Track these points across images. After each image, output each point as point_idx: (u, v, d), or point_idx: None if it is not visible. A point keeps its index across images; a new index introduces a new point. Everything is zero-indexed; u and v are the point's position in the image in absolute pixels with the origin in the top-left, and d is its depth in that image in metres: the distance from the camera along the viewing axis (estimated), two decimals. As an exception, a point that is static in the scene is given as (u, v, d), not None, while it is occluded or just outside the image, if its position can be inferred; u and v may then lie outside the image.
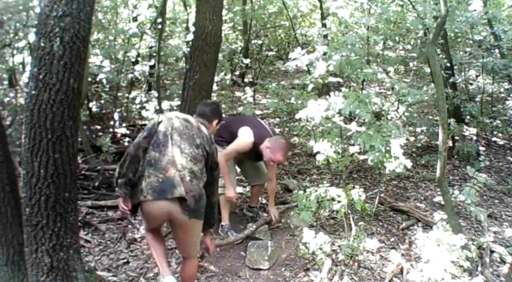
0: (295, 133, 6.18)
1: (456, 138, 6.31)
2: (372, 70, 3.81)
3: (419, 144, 6.62)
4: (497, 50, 6.68)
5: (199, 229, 2.54)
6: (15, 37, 5.83)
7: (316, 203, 3.41)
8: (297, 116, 3.66)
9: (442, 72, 5.08)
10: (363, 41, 6.80)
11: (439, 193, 4.39)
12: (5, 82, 6.82)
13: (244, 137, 3.48)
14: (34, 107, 2.14)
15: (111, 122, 6.93)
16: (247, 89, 9.29)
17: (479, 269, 3.25)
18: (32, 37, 5.64)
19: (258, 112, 7.91)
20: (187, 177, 2.35)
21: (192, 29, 4.37)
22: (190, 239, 2.53)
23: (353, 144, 3.72)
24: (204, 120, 2.71)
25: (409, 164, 3.42)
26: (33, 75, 2.14)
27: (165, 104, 7.35)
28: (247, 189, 4.61)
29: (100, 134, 6.57)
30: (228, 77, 9.69)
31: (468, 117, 6.60)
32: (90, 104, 6.96)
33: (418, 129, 6.86)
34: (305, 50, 4.06)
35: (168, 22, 8.08)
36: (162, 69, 7.11)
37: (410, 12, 6.66)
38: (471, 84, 7.32)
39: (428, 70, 6.95)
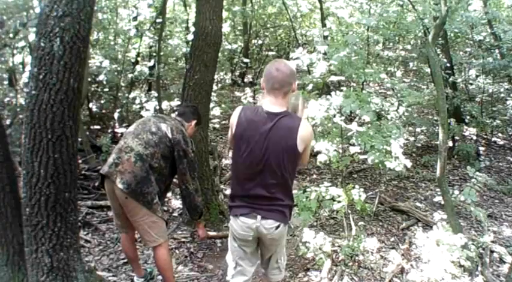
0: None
1: (456, 138, 6.31)
2: (374, 70, 3.81)
3: (419, 144, 6.62)
4: (497, 50, 6.69)
5: (147, 217, 2.48)
6: (15, 37, 5.82)
7: (316, 203, 3.40)
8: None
9: (442, 72, 5.08)
10: (362, 41, 6.80)
11: (439, 193, 4.39)
12: (5, 82, 6.80)
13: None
14: (34, 107, 2.13)
15: (111, 122, 6.93)
16: (247, 89, 9.28)
17: (479, 269, 3.25)
18: (32, 37, 5.64)
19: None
20: (132, 158, 2.46)
21: (192, 29, 4.37)
22: (139, 225, 2.52)
23: (353, 144, 3.72)
24: (182, 119, 2.85)
25: (409, 163, 3.43)
26: (33, 75, 2.13)
27: (165, 104, 7.34)
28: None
29: (100, 134, 6.57)
30: (228, 76, 9.70)
31: (468, 117, 6.61)
32: (90, 104, 6.95)
33: (418, 129, 6.86)
34: (305, 50, 4.06)
35: (168, 22, 8.08)
36: (162, 69, 7.11)
37: (410, 13, 6.67)
38: (471, 84, 7.33)
39: (428, 70, 6.95)
